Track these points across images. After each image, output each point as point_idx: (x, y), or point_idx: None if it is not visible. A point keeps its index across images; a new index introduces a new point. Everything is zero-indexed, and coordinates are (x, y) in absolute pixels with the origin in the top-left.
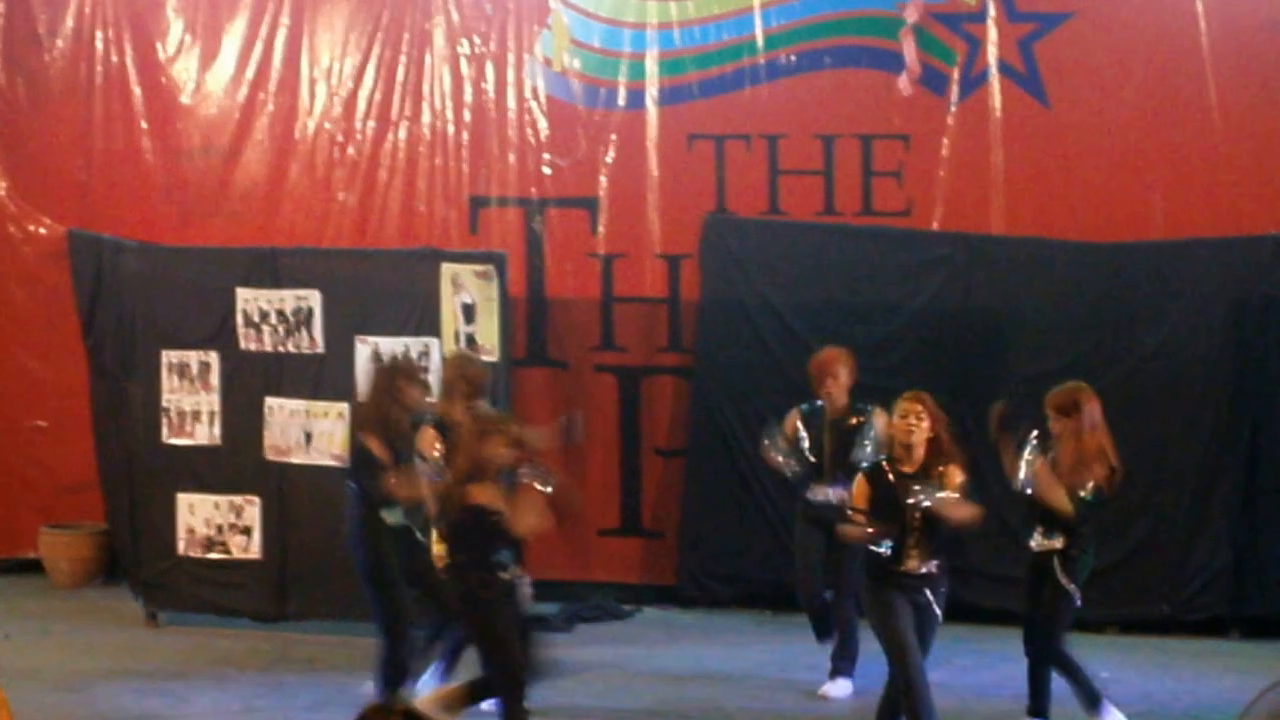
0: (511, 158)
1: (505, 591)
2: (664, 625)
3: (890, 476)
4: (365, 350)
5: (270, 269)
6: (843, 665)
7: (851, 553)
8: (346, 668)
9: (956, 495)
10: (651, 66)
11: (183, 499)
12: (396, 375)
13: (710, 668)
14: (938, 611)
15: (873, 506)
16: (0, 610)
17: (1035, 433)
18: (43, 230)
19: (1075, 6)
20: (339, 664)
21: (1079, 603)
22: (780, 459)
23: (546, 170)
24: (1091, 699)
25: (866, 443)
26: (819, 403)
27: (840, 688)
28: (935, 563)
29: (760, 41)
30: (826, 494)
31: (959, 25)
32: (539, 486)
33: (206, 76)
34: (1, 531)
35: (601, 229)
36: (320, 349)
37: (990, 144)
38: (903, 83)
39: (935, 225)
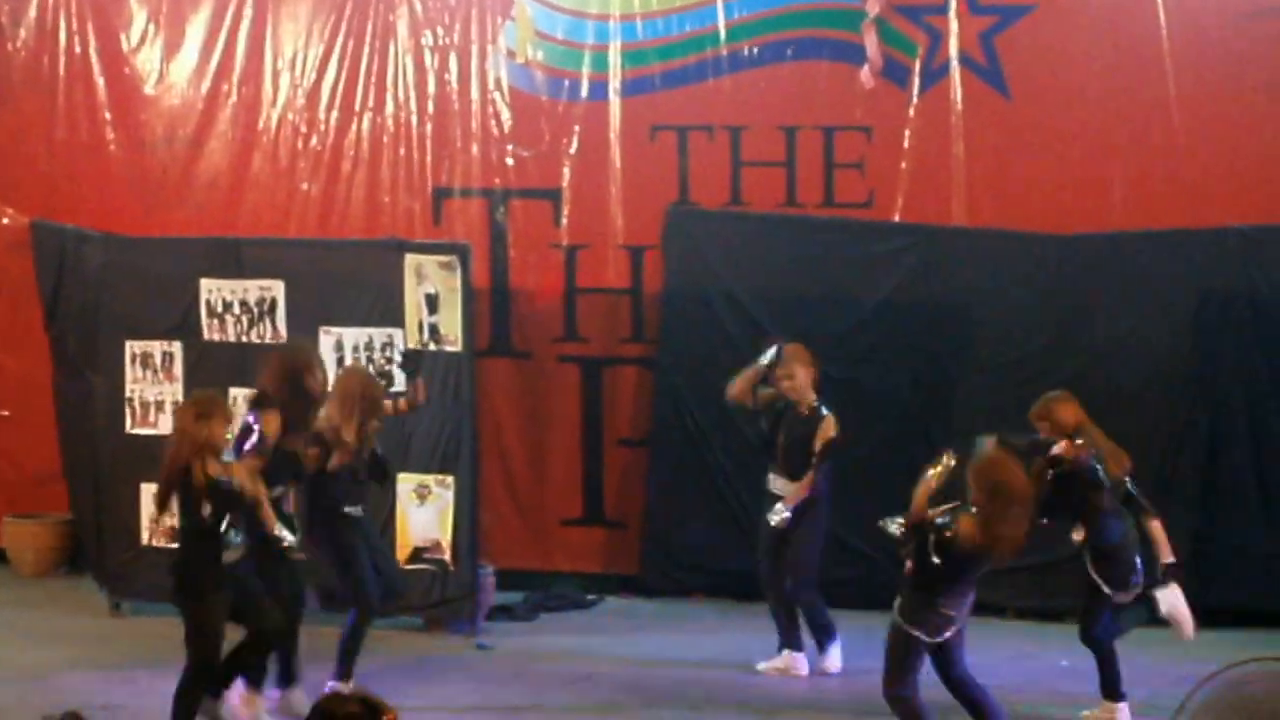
0: (475, 149)
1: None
2: (627, 615)
3: None
4: (329, 341)
5: (234, 259)
6: (823, 638)
7: (800, 537)
8: (311, 655)
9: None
10: (614, 58)
11: (146, 489)
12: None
13: (673, 656)
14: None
15: None
16: None
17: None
18: (5, 220)
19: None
20: (302, 653)
21: (1119, 598)
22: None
23: (510, 161)
24: (1110, 690)
25: None
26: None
27: (833, 657)
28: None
29: (723, 33)
30: (777, 486)
31: (920, 18)
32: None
33: (170, 67)
34: None
35: (564, 220)
36: (284, 339)
37: (951, 136)
38: (864, 75)
39: (897, 217)
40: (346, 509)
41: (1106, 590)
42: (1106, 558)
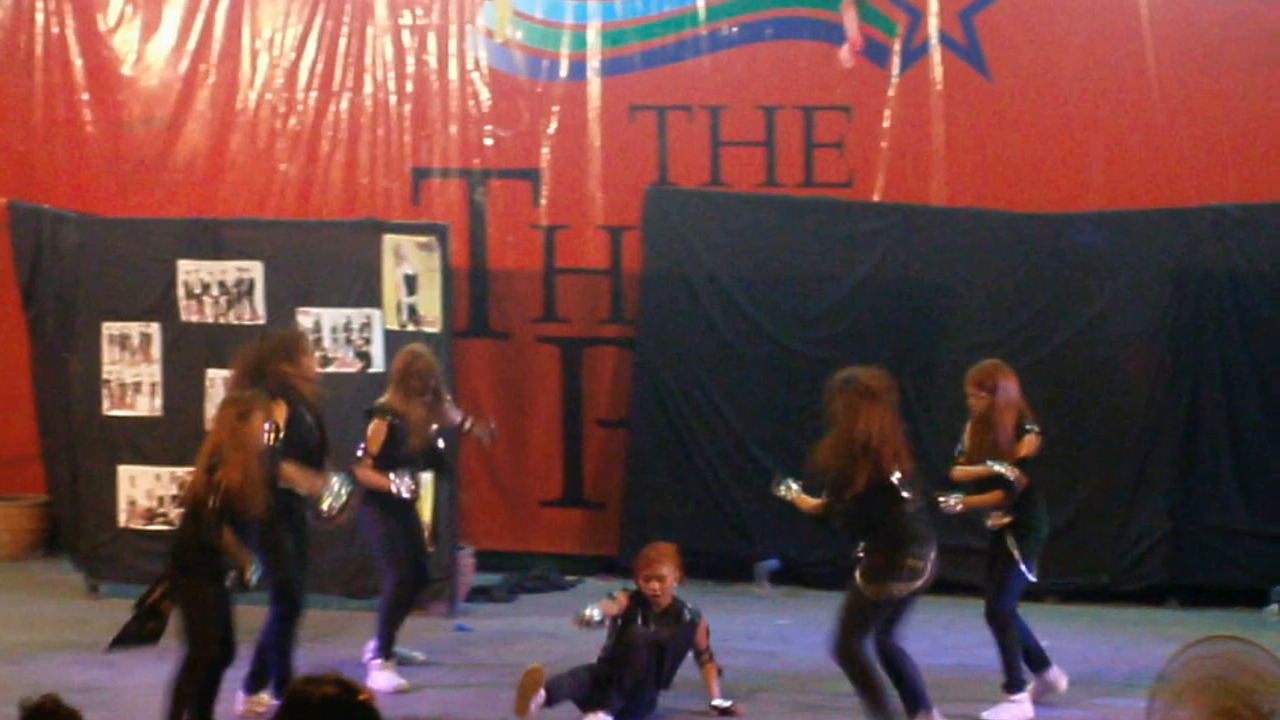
0: (453, 129)
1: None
2: (606, 596)
3: None
4: (307, 321)
5: (211, 240)
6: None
7: None
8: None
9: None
10: (593, 38)
11: (124, 471)
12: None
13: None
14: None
15: None
16: None
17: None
18: None
19: None
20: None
21: (1031, 577)
22: None
23: (489, 141)
24: (1011, 681)
25: None
26: None
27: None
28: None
29: (702, 13)
30: None
31: None
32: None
33: (147, 47)
34: None
35: (543, 200)
36: (262, 320)
37: (931, 115)
38: (844, 54)
39: (876, 196)
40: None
41: (1024, 567)
42: (1030, 534)
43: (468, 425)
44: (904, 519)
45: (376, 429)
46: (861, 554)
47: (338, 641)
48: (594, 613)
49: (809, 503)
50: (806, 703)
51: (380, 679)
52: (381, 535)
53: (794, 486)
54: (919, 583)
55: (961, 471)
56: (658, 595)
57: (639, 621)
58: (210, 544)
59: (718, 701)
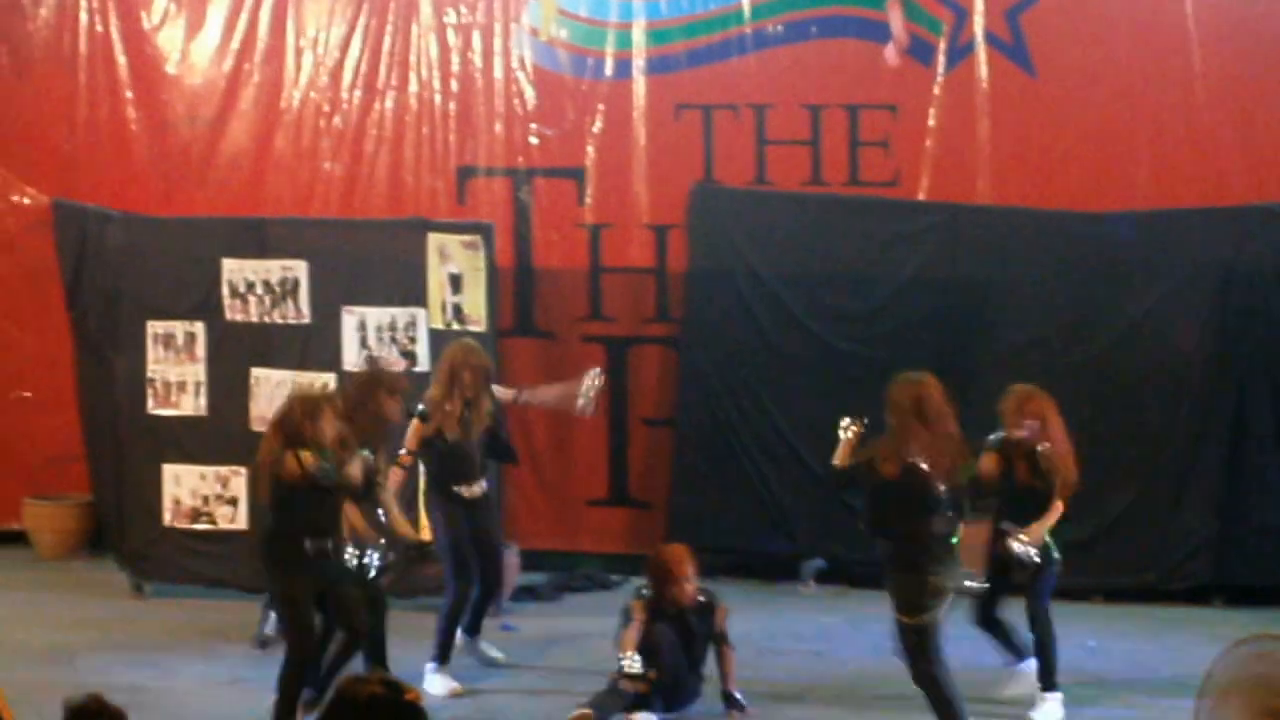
0: (498, 128)
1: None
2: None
3: None
4: (352, 321)
5: (256, 239)
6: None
7: None
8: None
9: None
10: (639, 36)
11: (168, 470)
12: (377, 387)
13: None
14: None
15: None
16: None
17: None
18: (27, 200)
19: None
20: None
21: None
22: None
23: (533, 140)
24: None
25: None
26: None
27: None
28: None
29: (747, 11)
30: None
31: None
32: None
33: (191, 46)
34: None
35: (589, 199)
36: (307, 319)
37: (977, 114)
38: (889, 53)
39: (922, 195)
40: (455, 488)
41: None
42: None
43: (522, 397)
44: (928, 534)
45: (414, 428)
46: (886, 576)
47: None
48: (634, 665)
49: (846, 450)
50: (856, 701)
51: (435, 684)
52: (445, 543)
53: (853, 429)
54: (948, 597)
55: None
56: (693, 595)
57: (659, 620)
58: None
59: (733, 691)
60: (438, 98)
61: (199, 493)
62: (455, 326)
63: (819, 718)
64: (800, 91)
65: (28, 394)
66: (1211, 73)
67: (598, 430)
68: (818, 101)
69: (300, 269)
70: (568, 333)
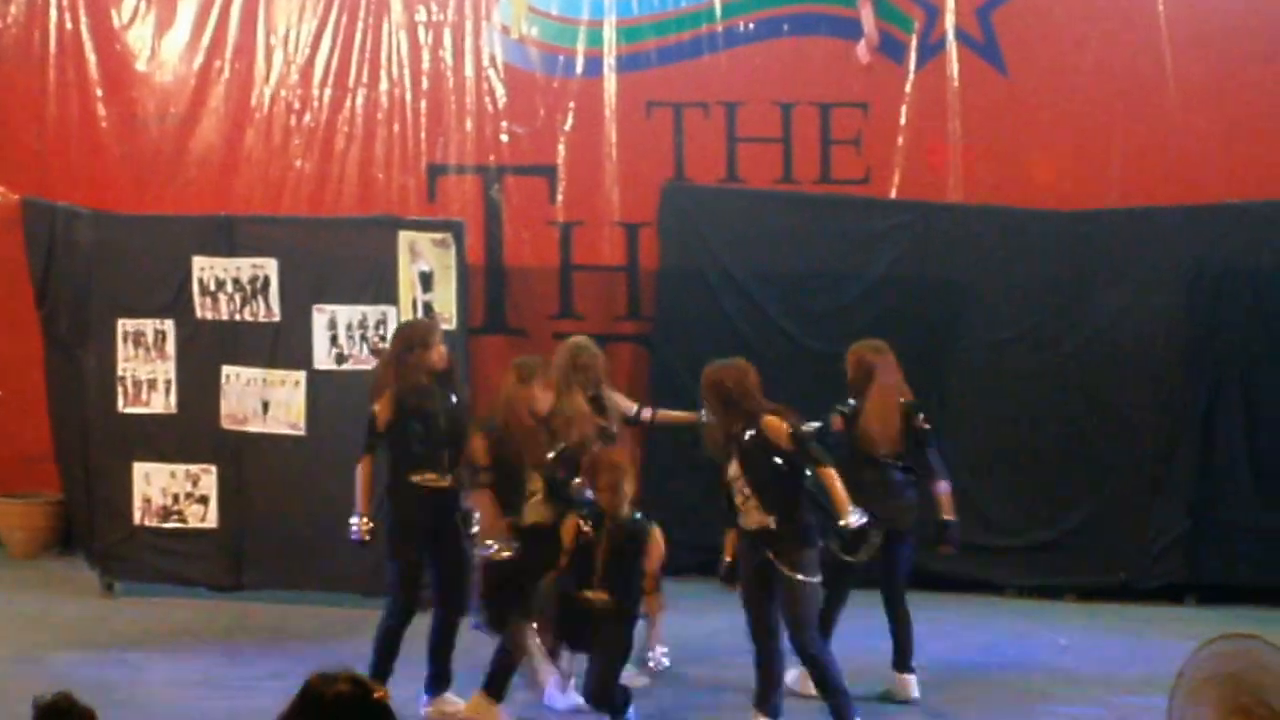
0: (469, 125)
1: None
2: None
3: None
4: (322, 319)
5: (226, 237)
6: None
7: None
8: (306, 636)
9: None
10: (610, 34)
11: (139, 468)
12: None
13: (669, 635)
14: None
15: None
16: None
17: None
18: None
19: None
20: (297, 633)
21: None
22: None
23: (504, 138)
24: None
25: None
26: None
27: None
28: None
29: (718, 9)
30: None
31: None
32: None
33: (162, 43)
34: None
35: (560, 197)
36: (277, 317)
37: (948, 112)
38: (861, 50)
39: (893, 193)
40: None
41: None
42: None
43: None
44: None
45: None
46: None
47: (353, 640)
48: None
49: None
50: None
51: (558, 699)
52: None
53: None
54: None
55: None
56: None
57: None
58: None
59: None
60: (409, 95)
61: (169, 491)
62: None
63: (791, 709)
64: (771, 89)
65: None
66: (1183, 70)
67: None
68: (789, 99)
69: (270, 267)
70: (539, 330)
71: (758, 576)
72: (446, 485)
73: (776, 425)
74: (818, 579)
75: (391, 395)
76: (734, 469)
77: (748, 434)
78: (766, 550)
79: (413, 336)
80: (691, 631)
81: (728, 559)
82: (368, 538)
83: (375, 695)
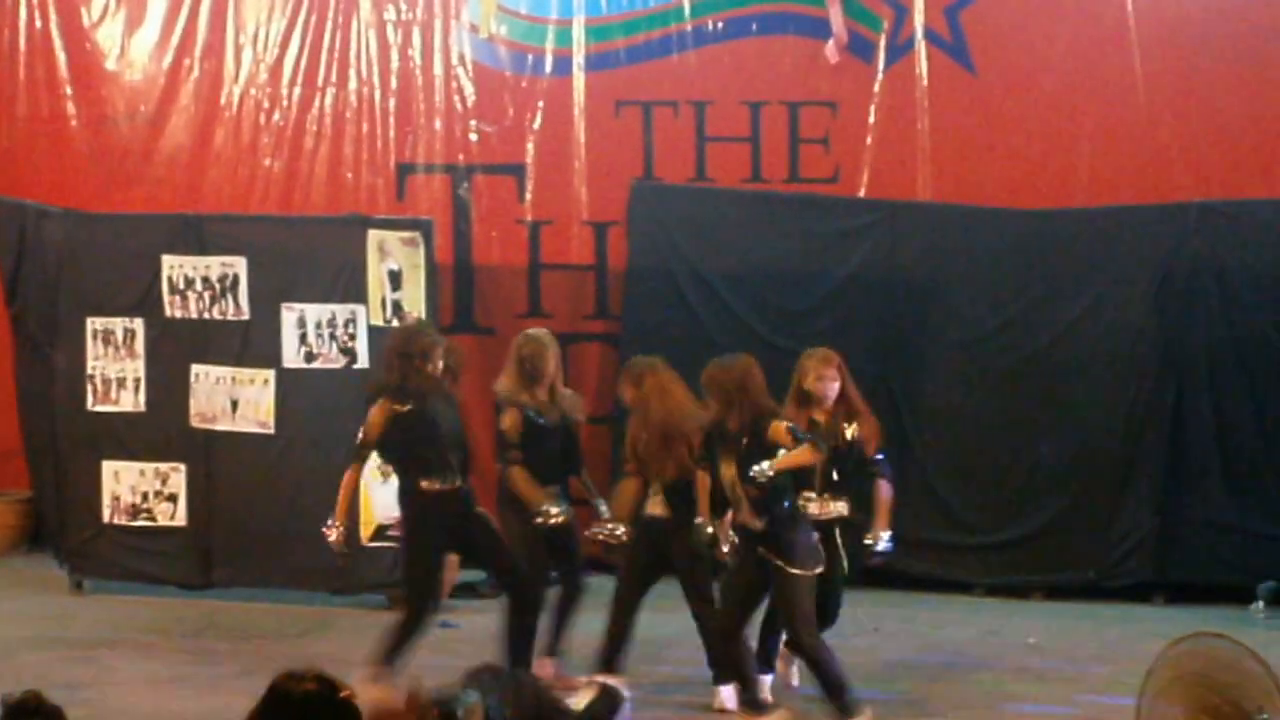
0: (438, 124)
1: None
2: (594, 592)
3: None
4: (291, 317)
5: (196, 235)
6: None
7: None
8: (274, 634)
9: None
10: (578, 32)
11: (108, 466)
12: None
13: (640, 634)
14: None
15: None
16: None
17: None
18: None
19: None
20: (266, 631)
21: None
22: None
23: (473, 137)
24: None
25: None
26: None
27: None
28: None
29: (687, 8)
30: None
31: None
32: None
33: (131, 42)
34: None
35: (528, 196)
36: (246, 315)
37: (917, 111)
38: (830, 50)
39: (862, 192)
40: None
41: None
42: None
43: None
44: None
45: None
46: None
47: (321, 638)
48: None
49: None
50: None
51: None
52: (518, 540)
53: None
54: None
55: None
56: None
57: None
58: None
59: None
60: (377, 94)
61: (138, 489)
62: (395, 323)
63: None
64: (740, 88)
65: None
66: (1152, 70)
67: None
68: (758, 98)
69: (239, 265)
70: (507, 329)
71: (751, 571)
72: (457, 487)
73: (777, 425)
74: (814, 572)
75: (388, 404)
76: (731, 469)
77: (748, 433)
78: (759, 547)
79: (412, 349)
80: (675, 626)
81: (725, 548)
82: (340, 544)
83: (342, 694)
